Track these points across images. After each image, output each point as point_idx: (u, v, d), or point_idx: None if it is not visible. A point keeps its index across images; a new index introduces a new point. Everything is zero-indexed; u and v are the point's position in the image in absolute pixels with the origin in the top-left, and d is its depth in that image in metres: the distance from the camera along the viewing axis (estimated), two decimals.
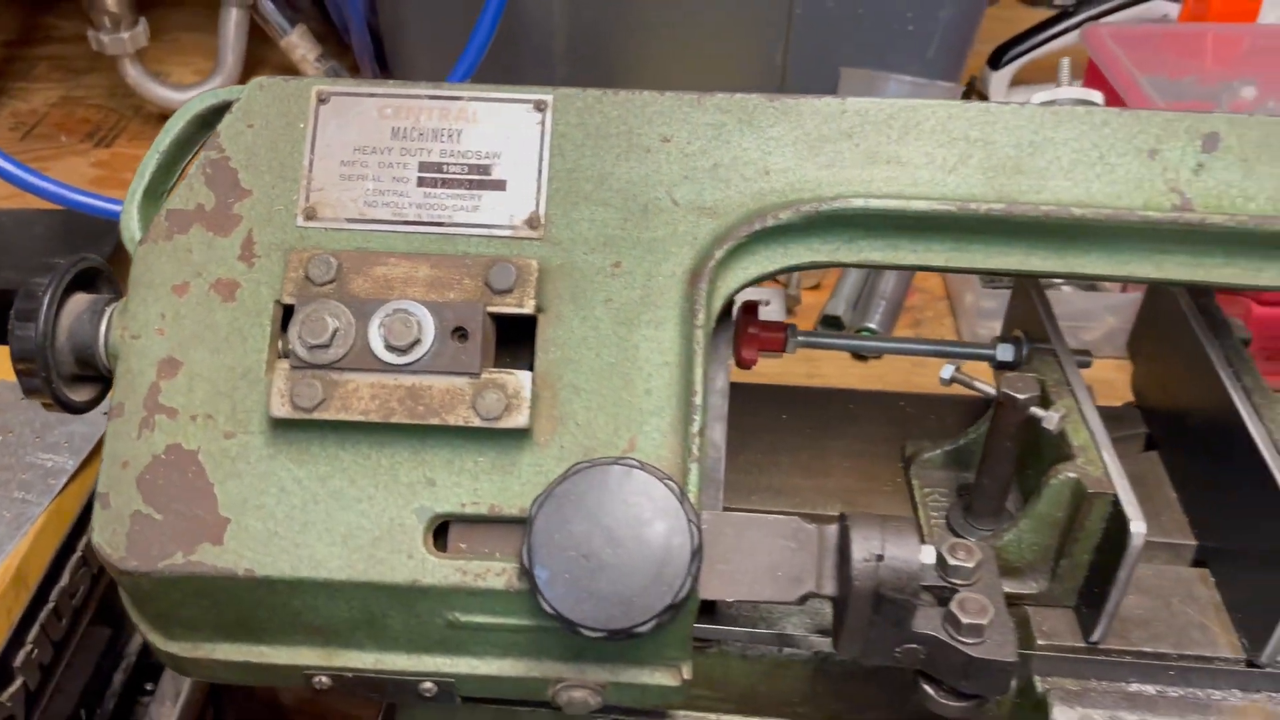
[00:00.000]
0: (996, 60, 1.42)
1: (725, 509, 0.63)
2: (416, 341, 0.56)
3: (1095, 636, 0.61)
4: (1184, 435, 0.73)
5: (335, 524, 0.57)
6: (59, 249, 1.03)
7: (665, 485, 0.54)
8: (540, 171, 0.61)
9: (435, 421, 0.56)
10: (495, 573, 0.56)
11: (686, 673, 0.60)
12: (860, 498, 0.71)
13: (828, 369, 1.15)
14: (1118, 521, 0.59)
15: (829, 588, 0.57)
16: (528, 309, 0.58)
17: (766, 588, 0.57)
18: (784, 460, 0.74)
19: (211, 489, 0.57)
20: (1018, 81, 1.44)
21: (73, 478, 0.82)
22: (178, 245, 0.61)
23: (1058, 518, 0.61)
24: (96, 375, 0.63)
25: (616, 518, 0.53)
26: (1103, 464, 0.60)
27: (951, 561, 0.57)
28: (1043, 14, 1.52)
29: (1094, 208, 0.58)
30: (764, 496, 0.72)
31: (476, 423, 0.56)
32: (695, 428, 0.57)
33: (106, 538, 0.58)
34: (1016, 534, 0.63)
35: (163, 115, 1.53)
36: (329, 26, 1.54)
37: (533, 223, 0.60)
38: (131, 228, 0.65)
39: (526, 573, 0.53)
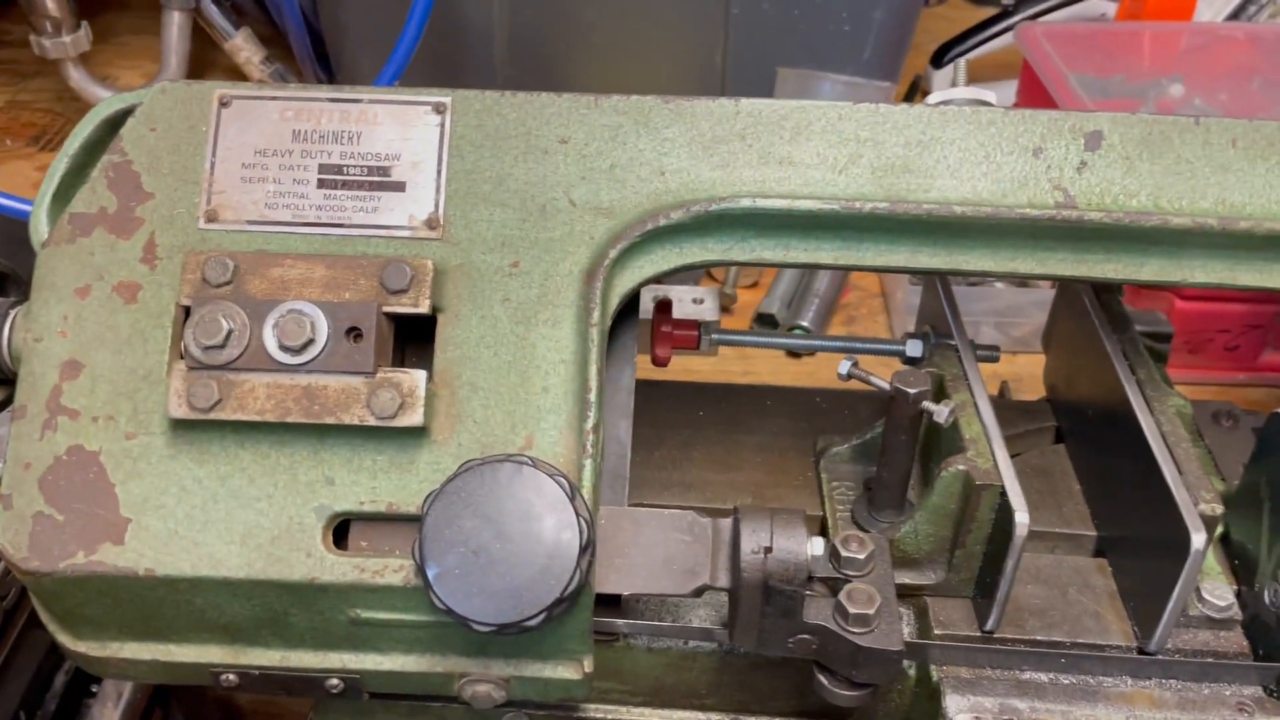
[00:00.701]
0: (939, 58, 1.44)
1: (635, 504, 0.64)
2: (310, 341, 0.57)
3: (989, 625, 0.63)
4: (1086, 428, 0.74)
5: (235, 523, 0.58)
6: None
7: (555, 481, 0.54)
8: (439, 173, 0.61)
9: (331, 420, 0.57)
10: (393, 569, 0.57)
11: (588, 666, 0.60)
12: (769, 491, 0.73)
13: (761, 367, 1.16)
14: (1006, 512, 0.60)
15: (723, 580, 0.58)
16: (423, 308, 0.58)
17: (662, 581, 0.58)
18: (697, 455, 0.75)
19: (113, 489, 0.58)
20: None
21: None
22: (80, 248, 0.61)
23: (951, 510, 0.63)
24: (1, 378, 0.63)
25: (507, 514, 0.54)
26: (992, 456, 0.62)
27: (844, 554, 0.58)
28: (988, 12, 1.54)
29: (977, 205, 0.59)
30: (676, 492, 0.73)
31: (371, 421, 0.57)
32: (589, 424, 0.58)
33: (9, 538, 0.58)
34: (913, 525, 0.64)
35: None
36: (275, 29, 1.54)
37: (431, 223, 0.61)
38: (40, 230, 0.65)
39: (419, 569, 0.54)
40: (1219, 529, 0.67)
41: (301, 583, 0.57)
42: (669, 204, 0.61)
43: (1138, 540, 0.64)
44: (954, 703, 0.61)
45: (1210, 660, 0.62)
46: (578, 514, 0.54)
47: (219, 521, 0.58)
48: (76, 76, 1.44)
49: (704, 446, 0.76)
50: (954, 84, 0.67)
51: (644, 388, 0.68)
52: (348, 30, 1.32)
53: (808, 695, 0.65)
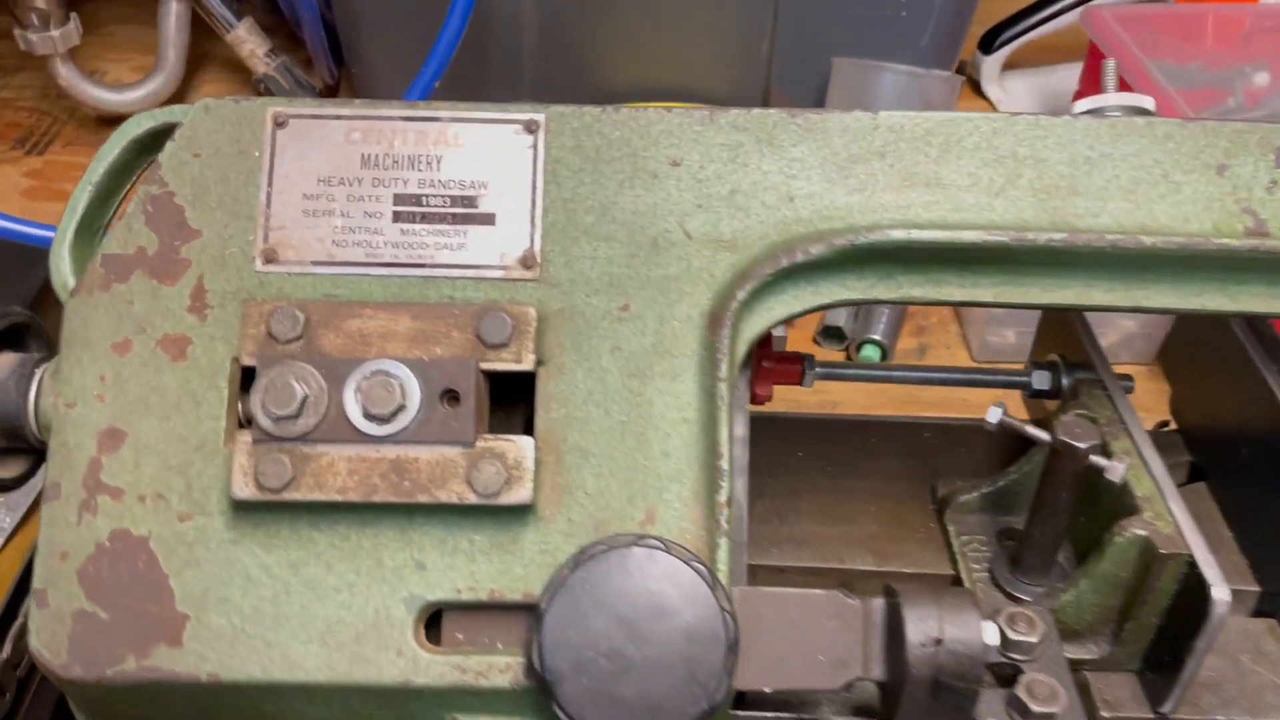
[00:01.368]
0: (989, 44, 1.35)
1: (747, 566, 0.57)
2: (401, 408, 0.48)
3: (1167, 708, 0.55)
4: (1236, 465, 0.67)
5: (312, 618, 0.49)
6: None
7: (693, 568, 0.47)
8: (534, 202, 0.53)
9: (425, 499, 0.49)
10: (499, 669, 0.49)
11: None
12: (890, 546, 0.65)
13: (833, 385, 1.08)
14: (1193, 584, 0.53)
15: (877, 672, 0.50)
16: (527, 364, 0.50)
17: (809, 674, 0.50)
18: (804, 505, 0.68)
19: (166, 581, 0.50)
20: (1010, 65, 1.37)
21: (9, 538, 0.74)
22: (117, 296, 0.53)
23: (1122, 578, 0.55)
24: (27, 447, 0.55)
25: (639, 610, 0.46)
26: (1173, 519, 0.54)
27: (1012, 636, 0.51)
28: None
29: (1162, 235, 0.51)
30: (786, 549, 0.65)
31: (472, 499, 0.49)
32: (723, 496, 0.50)
33: (46, 641, 0.50)
34: (1076, 595, 0.56)
35: (100, 118, 1.43)
36: (278, 19, 1.44)
37: (527, 262, 0.52)
38: (63, 272, 0.57)
39: (538, 676, 0.46)
40: None
41: (393, 686, 0.49)
42: (801, 235, 0.53)
43: None
44: None
45: None
46: (721, 608, 0.46)
47: (293, 616, 0.50)
48: (65, 72, 1.33)
49: (810, 494, 0.68)
50: (1104, 89, 0.59)
51: None
52: (365, 20, 1.22)
53: None
